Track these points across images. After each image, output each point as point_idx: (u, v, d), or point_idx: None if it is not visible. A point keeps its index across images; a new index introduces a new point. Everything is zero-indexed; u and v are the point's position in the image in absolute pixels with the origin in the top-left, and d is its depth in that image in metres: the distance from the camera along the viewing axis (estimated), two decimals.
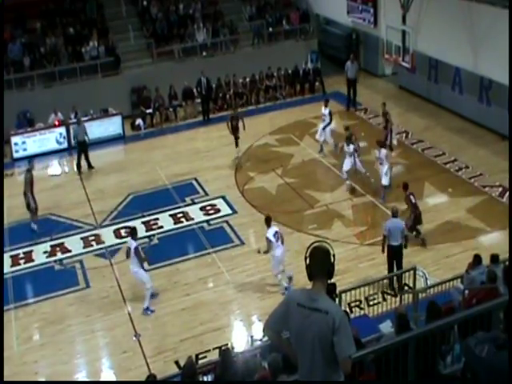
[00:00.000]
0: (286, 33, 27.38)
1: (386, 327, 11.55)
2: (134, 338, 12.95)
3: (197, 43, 25.97)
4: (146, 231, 16.65)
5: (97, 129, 22.45)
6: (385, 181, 17.13)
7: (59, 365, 12.51)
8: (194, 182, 19.13)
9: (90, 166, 20.56)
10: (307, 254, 4.77)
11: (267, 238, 13.56)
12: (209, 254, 15.47)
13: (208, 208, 17.61)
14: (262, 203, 17.63)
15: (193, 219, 17.15)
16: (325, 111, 20.17)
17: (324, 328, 4.57)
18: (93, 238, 16.60)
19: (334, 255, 4.76)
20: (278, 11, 28.01)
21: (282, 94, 25.57)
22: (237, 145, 19.91)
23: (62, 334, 13.31)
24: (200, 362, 11.71)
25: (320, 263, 4.74)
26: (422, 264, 14.25)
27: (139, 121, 23.39)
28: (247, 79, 25.27)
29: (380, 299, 13.32)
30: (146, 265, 13.89)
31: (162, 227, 16.83)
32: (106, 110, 23.18)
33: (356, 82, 23.86)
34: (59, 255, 16.00)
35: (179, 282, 14.60)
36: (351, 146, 17.61)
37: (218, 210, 17.48)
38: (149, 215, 17.40)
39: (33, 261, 15.80)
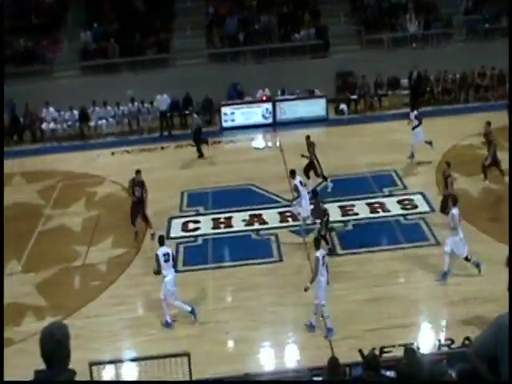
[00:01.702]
0: (503, 30, 25.97)
1: None
2: (321, 319, 13.14)
3: (407, 34, 25.50)
4: (342, 216, 16.84)
5: (302, 108, 23.09)
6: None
7: (247, 330, 12.94)
8: (393, 174, 18.92)
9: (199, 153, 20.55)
10: None
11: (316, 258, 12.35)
12: (402, 248, 15.25)
13: (406, 202, 17.33)
14: (462, 206, 16.93)
15: (389, 211, 17.02)
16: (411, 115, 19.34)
17: None
18: (289, 214, 17.02)
19: None
20: (497, 6, 26.62)
21: (494, 95, 24.46)
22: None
23: (253, 300, 13.77)
24: (384, 355, 11.63)
25: None
26: None
27: (343, 106, 23.60)
28: (457, 75, 24.42)
29: None
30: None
31: (357, 214, 16.88)
32: (312, 92, 23.61)
33: None
34: (256, 225, 16.65)
35: (370, 272, 14.51)
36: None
37: (416, 206, 17.12)
38: (345, 200, 17.51)
39: (232, 227, 16.58)
